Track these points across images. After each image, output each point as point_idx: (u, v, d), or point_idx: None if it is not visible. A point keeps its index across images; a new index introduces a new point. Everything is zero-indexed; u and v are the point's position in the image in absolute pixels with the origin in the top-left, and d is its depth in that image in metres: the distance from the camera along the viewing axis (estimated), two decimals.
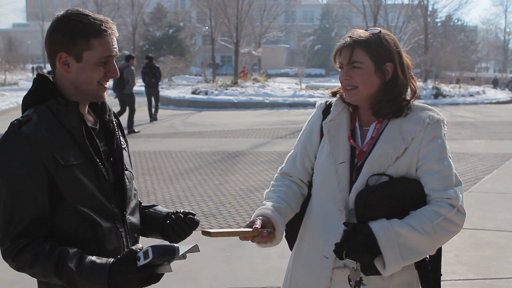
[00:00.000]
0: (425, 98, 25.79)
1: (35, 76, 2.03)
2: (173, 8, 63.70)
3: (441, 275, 2.25)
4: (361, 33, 2.20)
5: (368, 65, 2.16)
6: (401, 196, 2.09)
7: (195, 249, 1.84)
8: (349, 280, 2.15)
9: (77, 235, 1.91)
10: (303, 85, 32.20)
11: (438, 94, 26.27)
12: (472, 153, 11.45)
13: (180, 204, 7.63)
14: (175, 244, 1.81)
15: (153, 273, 1.81)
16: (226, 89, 27.06)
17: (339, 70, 2.23)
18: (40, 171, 1.84)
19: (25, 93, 2.02)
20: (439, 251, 2.23)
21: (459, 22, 66.47)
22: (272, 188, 2.36)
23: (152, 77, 17.94)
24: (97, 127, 2.06)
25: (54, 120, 1.90)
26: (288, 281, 2.40)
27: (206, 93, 26.09)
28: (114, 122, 2.13)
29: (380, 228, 2.03)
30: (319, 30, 73.96)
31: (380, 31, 2.21)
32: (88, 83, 1.94)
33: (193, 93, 26.91)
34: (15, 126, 1.87)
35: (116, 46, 1.98)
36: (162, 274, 1.84)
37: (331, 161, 2.23)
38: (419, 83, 24.03)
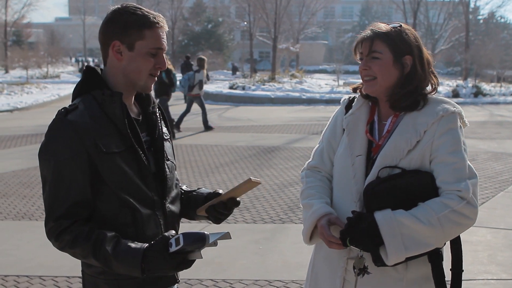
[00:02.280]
0: (464, 96, 25.39)
1: (79, 67, 2.12)
2: (212, 3, 63.96)
3: (462, 271, 2.25)
4: (382, 26, 2.25)
5: (387, 56, 2.19)
6: (409, 188, 2.11)
7: (226, 236, 1.88)
8: (354, 268, 2.19)
9: (118, 220, 2.01)
10: (341, 82, 32.02)
11: (478, 92, 25.79)
12: (511, 153, 11.25)
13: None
14: (206, 232, 1.87)
15: (185, 259, 1.87)
16: (264, 85, 27.10)
17: (359, 62, 2.28)
18: (83, 157, 1.94)
19: (66, 85, 2.12)
20: (458, 247, 2.24)
21: (502, 20, 65.17)
22: (309, 185, 2.39)
23: (188, 71, 22.40)
24: (140, 118, 2.15)
25: (98, 109, 2.00)
26: (310, 270, 2.46)
27: (243, 88, 26.18)
28: (158, 114, 2.22)
29: (383, 217, 2.06)
30: (358, 27, 73.22)
31: (401, 25, 2.25)
32: (138, 72, 2.03)
33: (231, 88, 27.04)
34: (61, 114, 1.98)
35: (165, 40, 2.07)
36: (194, 261, 1.90)
37: (348, 154, 2.27)
38: (459, 81, 23.59)
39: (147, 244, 1.92)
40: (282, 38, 47.50)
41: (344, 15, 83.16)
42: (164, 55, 2.08)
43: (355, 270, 2.18)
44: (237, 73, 45.00)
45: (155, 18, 2.02)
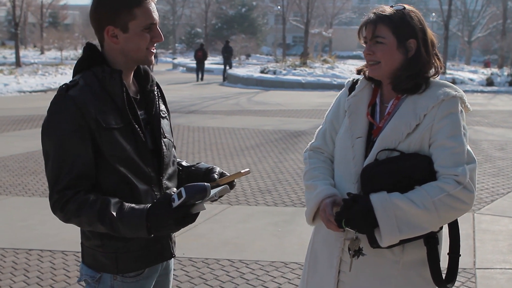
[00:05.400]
0: (499, 85, 24.97)
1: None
2: None
3: (459, 255, 2.25)
4: (385, 9, 2.22)
5: (390, 40, 2.18)
6: (406, 171, 2.10)
7: (226, 190, 1.95)
8: (349, 249, 2.20)
9: (117, 195, 2.04)
10: None
11: None
12: None
13: (238, 179, 7.78)
14: (206, 183, 1.89)
15: (188, 213, 1.89)
16: (295, 69, 27.03)
17: (364, 45, 2.27)
18: (84, 131, 1.98)
19: None
20: (456, 231, 2.23)
21: None
22: (312, 166, 2.40)
23: (225, 53, 29.45)
24: (138, 96, 2.19)
25: (98, 86, 2.04)
26: (310, 250, 2.48)
27: (274, 73, 26.17)
28: (156, 92, 2.26)
29: (378, 199, 2.07)
30: None
31: (404, 8, 2.22)
32: (136, 50, 2.07)
33: (262, 72, 27.05)
34: (63, 90, 2.03)
35: (156, 13, 2.08)
36: (197, 214, 1.93)
37: (348, 136, 2.28)
38: (494, 69, 23.16)
39: (150, 204, 1.96)
40: (316, 23, 47.23)
41: (379, 0, 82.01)
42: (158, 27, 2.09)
43: (350, 251, 2.20)
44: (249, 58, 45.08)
45: None
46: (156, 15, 2.08)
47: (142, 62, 2.12)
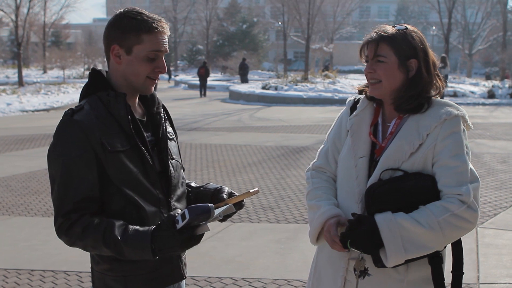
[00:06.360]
0: (500, 97, 24.96)
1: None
2: (247, 3, 64.18)
3: (463, 273, 2.24)
4: (387, 28, 2.24)
5: (392, 60, 2.20)
6: (410, 191, 2.11)
7: (230, 209, 1.96)
8: (354, 270, 2.20)
9: (124, 217, 2.05)
10: None
11: None
12: None
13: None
14: (209, 204, 1.91)
15: (193, 234, 1.90)
16: (296, 85, 27.06)
17: (365, 64, 2.29)
18: (90, 155, 2.01)
19: None
20: (459, 249, 2.24)
21: None
22: (315, 186, 2.41)
23: (241, 70, 34.30)
24: (145, 119, 2.21)
25: (103, 110, 2.07)
26: (313, 270, 2.48)
27: (276, 88, 26.19)
28: (162, 115, 2.28)
29: (384, 219, 2.08)
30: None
31: (406, 28, 2.25)
32: (136, 76, 2.10)
33: (263, 88, 27.09)
34: (68, 114, 2.06)
35: (166, 43, 2.12)
36: (202, 235, 1.93)
37: (351, 156, 2.29)
38: (495, 82, 23.26)
39: (154, 226, 1.97)
40: (316, 38, 47.40)
41: (380, 15, 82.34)
42: (163, 58, 2.13)
43: (355, 272, 2.20)
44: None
45: (154, 22, 2.07)
46: (164, 45, 2.11)
47: (140, 89, 2.15)
